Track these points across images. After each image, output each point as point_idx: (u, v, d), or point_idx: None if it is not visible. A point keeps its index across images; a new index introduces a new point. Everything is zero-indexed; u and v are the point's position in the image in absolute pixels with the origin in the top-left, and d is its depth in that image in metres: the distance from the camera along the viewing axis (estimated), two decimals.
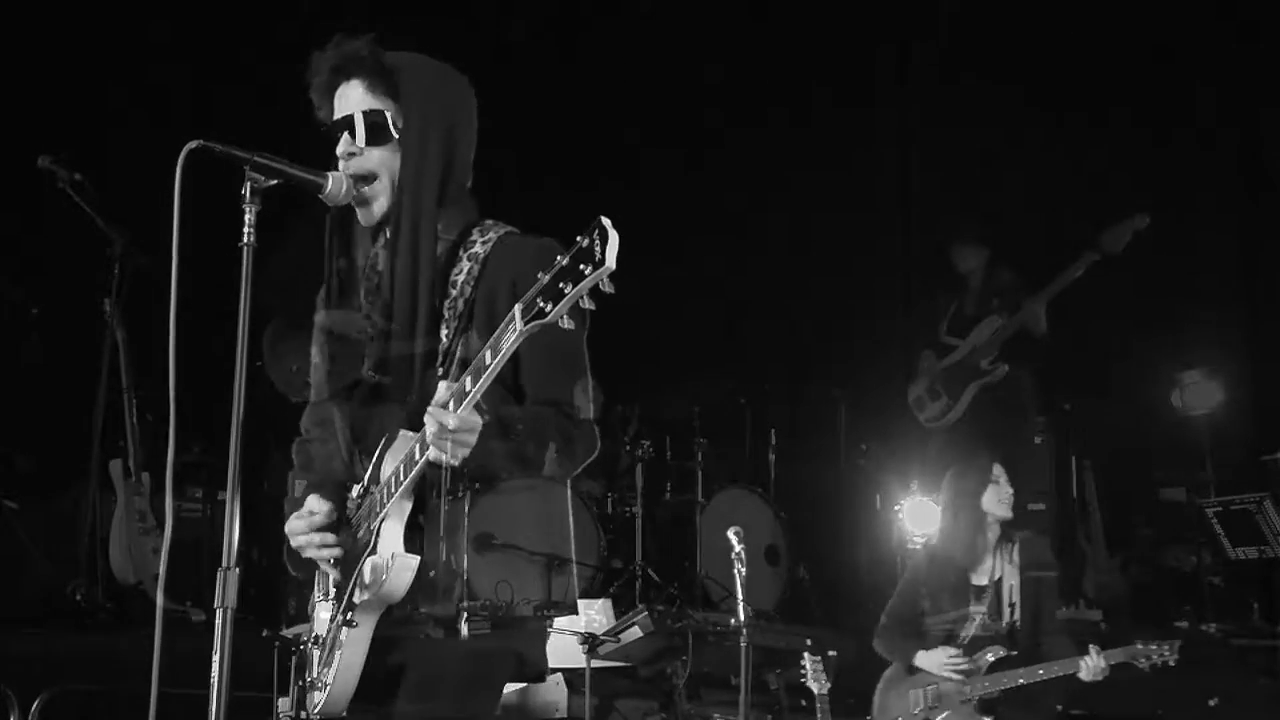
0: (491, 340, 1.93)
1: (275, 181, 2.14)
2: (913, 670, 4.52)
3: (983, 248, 6.96)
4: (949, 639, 4.52)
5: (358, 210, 2.34)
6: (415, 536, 2.20)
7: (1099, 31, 7.79)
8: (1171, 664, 4.17)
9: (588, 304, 1.81)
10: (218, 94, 7.15)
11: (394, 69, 2.32)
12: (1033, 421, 6.99)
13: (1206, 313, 7.37)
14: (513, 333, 1.87)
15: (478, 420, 2.02)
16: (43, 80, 6.95)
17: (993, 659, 4.39)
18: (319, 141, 2.40)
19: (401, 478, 2.14)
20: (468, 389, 1.97)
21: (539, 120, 7.49)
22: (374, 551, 2.18)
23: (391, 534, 2.18)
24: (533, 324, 1.84)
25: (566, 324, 1.84)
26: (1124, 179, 7.71)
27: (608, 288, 1.78)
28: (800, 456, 7.87)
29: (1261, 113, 7.61)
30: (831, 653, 4.40)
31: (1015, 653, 4.41)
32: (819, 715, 4.29)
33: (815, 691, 4.31)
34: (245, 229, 2.10)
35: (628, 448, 6.68)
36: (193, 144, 2.08)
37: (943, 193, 8.02)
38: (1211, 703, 4.76)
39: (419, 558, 2.16)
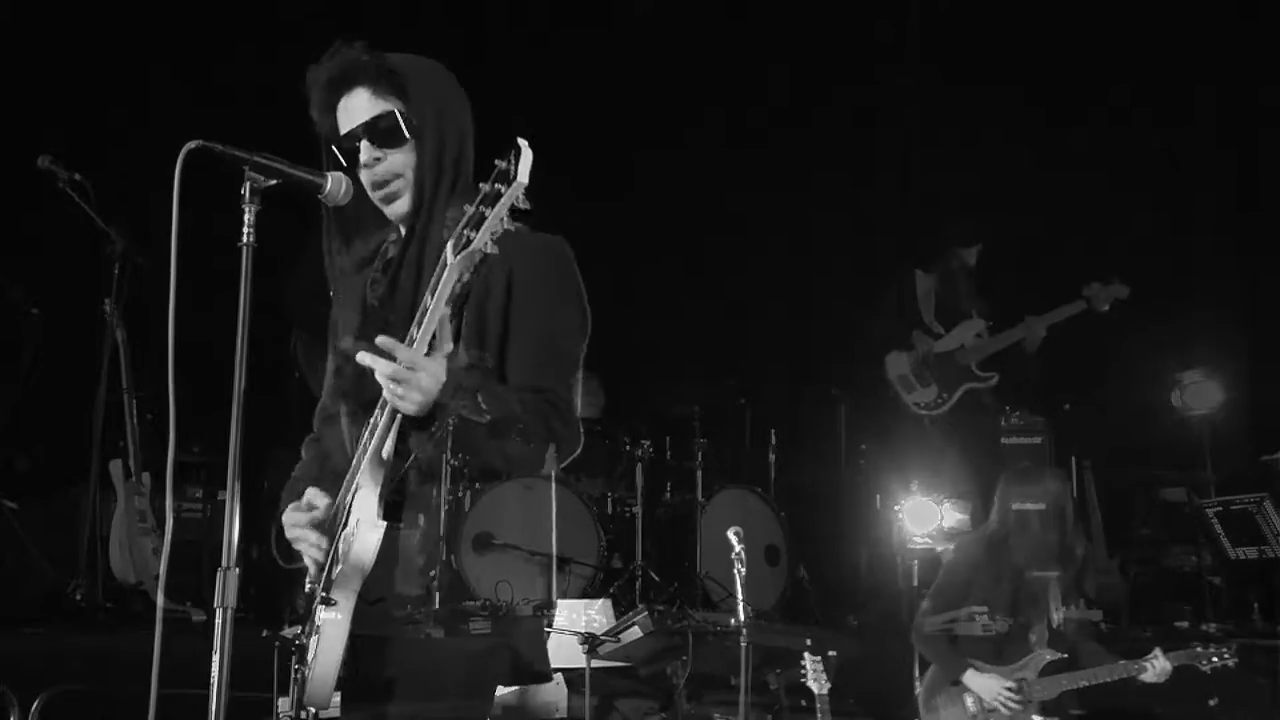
0: (430, 283, 1.95)
1: (275, 181, 2.14)
2: (957, 684, 4.47)
3: (976, 246, 7.10)
4: (979, 644, 4.45)
5: (384, 209, 2.36)
6: (412, 532, 2.19)
7: (1100, 31, 7.80)
8: (1231, 665, 4.21)
9: (509, 224, 1.85)
10: (218, 94, 7.15)
11: (397, 70, 2.32)
12: (996, 422, 7.10)
13: (1206, 313, 7.37)
14: (444, 267, 1.90)
15: (432, 365, 2.01)
16: (43, 80, 6.95)
17: (1047, 661, 4.36)
18: (319, 141, 2.40)
19: (367, 444, 2.12)
20: (413, 334, 1.99)
21: (540, 120, 7.49)
22: (346, 525, 2.16)
23: (365, 503, 2.13)
24: (462, 254, 1.87)
25: (491, 249, 1.87)
26: (1124, 179, 7.72)
27: (524, 204, 1.83)
28: (800, 456, 7.87)
29: (1261, 111, 7.61)
30: (831, 653, 4.38)
31: (1065, 655, 4.37)
32: (819, 715, 4.28)
33: (815, 691, 4.29)
34: (245, 229, 2.10)
35: (628, 447, 6.68)
36: (193, 144, 2.08)
37: (943, 193, 8.02)
38: (1211, 703, 4.75)
39: (386, 522, 2.12)
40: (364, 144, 2.32)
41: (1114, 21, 7.71)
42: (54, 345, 6.25)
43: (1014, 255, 7.33)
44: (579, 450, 2.31)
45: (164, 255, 2.09)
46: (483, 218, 1.83)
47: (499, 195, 1.81)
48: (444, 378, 2.02)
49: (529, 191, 1.83)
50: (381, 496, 2.12)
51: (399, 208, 2.34)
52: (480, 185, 1.85)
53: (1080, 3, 7.89)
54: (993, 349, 6.87)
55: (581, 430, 2.31)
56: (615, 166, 8.30)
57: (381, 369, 2.00)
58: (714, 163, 8.44)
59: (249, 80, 7.15)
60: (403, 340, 2.10)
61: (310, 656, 2.17)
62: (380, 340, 2.01)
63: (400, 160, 2.32)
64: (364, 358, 2.03)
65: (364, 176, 2.33)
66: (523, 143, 1.80)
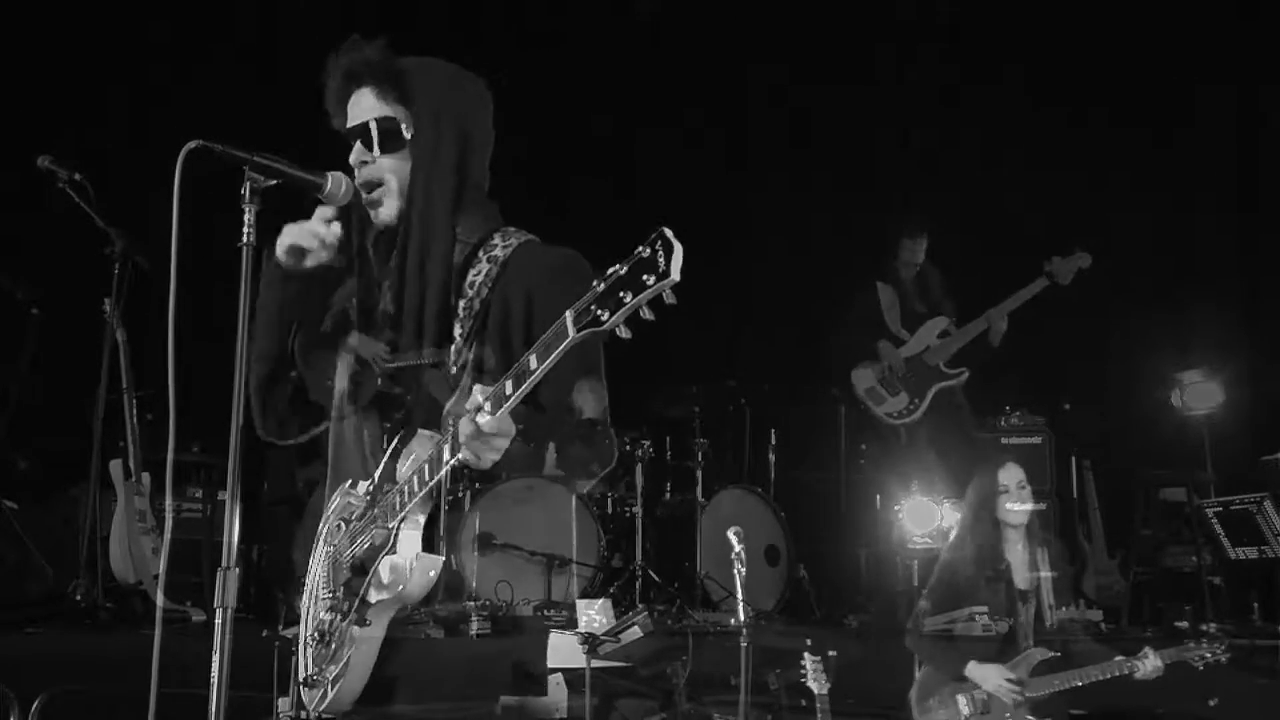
0: (538, 345, 1.88)
1: (275, 181, 2.14)
2: (960, 678, 4.46)
3: (924, 240, 7.09)
4: (976, 645, 4.45)
5: (370, 214, 2.35)
6: (429, 537, 2.19)
7: (1100, 30, 7.80)
8: (1224, 661, 4.19)
9: (648, 314, 1.77)
10: (218, 94, 7.15)
11: (405, 74, 2.31)
12: (970, 418, 7.11)
13: (1206, 313, 7.38)
14: (564, 339, 1.83)
15: (511, 426, 1.98)
16: (43, 80, 6.96)
17: (1039, 660, 4.36)
18: (320, 141, 2.40)
19: (426, 478, 2.10)
20: (508, 393, 1.92)
21: (539, 121, 7.49)
22: (393, 551, 2.15)
23: (411, 535, 2.15)
24: (586, 331, 1.80)
25: (624, 333, 1.80)
26: (1124, 178, 7.73)
27: (670, 299, 1.75)
28: (800, 456, 7.87)
29: (1262, 109, 7.62)
30: (831, 653, 4.38)
31: (1059, 654, 4.38)
32: (819, 715, 4.28)
33: (815, 691, 4.29)
34: (245, 229, 2.10)
35: (628, 447, 6.68)
36: (192, 144, 2.08)
37: (943, 192, 8.02)
38: (1211, 703, 4.75)
39: (442, 559, 2.15)
40: (357, 145, 2.32)
41: (1114, 22, 7.71)
42: (54, 345, 6.25)
43: (1009, 256, 7.32)
44: (613, 465, 2.30)
45: (164, 255, 2.09)
46: (620, 303, 1.75)
47: (643, 285, 1.73)
48: (513, 433, 2.00)
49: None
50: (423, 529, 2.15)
51: (383, 214, 2.32)
52: (617, 266, 1.76)
53: (1080, 2, 7.89)
54: (958, 345, 6.88)
55: (615, 444, 2.30)
56: (615, 167, 8.30)
57: (468, 430, 1.95)
58: (714, 163, 8.44)
59: (249, 80, 7.15)
60: (418, 364, 2.10)
61: (336, 669, 2.18)
62: (475, 397, 1.96)
63: (389, 165, 2.31)
64: (458, 412, 1.98)
65: (356, 176, 2.32)
66: (669, 233, 1.73)
